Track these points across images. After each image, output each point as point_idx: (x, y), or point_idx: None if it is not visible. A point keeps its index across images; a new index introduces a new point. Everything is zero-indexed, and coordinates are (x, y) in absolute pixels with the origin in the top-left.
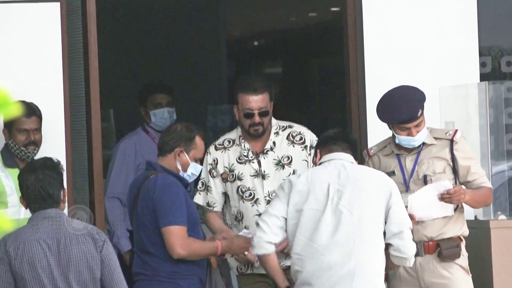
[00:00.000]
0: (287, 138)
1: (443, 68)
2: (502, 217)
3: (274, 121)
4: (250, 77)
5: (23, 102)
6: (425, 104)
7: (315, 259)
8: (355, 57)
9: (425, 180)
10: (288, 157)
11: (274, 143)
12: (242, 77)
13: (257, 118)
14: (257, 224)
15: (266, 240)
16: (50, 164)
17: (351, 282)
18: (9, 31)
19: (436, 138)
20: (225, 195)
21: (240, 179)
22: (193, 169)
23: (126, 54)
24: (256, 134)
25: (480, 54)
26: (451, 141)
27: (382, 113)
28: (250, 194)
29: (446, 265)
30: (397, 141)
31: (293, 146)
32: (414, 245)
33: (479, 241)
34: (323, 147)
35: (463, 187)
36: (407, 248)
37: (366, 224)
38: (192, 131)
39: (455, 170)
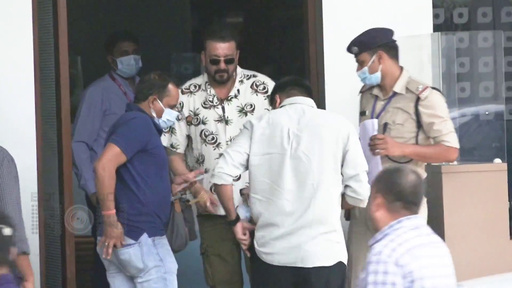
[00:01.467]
0: (251, 86)
1: (398, 20)
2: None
3: (239, 69)
4: (218, 25)
5: None
6: (376, 49)
7: (280, 202)
8: (313, 9)
9: (384, 128)
10: (251, 105)
11: (238, 90)
12: (210, 24)
13: (222, 65)
14: (221, 155)
15: (226, 172)
16: None
17: (309, 233)
18: None
19: (407, 90)
20: (189, 137)
21: (204, 123)
22: (168, 115)
23: (94, 4)
24: (221, 81)
25: (434, 6)
26: (418, 97)
27: None
28: (213, 138)
29: None
30: None
31: (256, 94)
32: (369, 187)
33: (431, 185)
34: (282, 92)
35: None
36: (363, 189)
37: (325, 171)
38: (165, 79)
39: (419, 125)
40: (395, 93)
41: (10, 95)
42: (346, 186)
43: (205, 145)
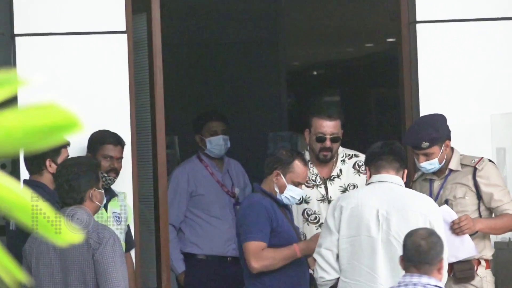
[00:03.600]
0: (353, 167)
1: (495, 96)
2: None
3: (340, 148)
4: (326, 103)
5: (113, 132)
6: (445, 140)
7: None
8: (410, 87)
9: (446, 203)
10: (354, 186)
11: (340, 170)
12: (317, 101)
13: (328, 143)
14: (315, 260)
15: (329, 279)
16: (82, 161)
17: None
18: (77, 62)
19: (463, 165)
20: None
21: (307, 202)
22: (291, 192)
23: (191, 85)
24: (324, 159)
25: None
26: (474, 168)
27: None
28: (315, 218)
29: (462, 286)
30: None
31: (359, 175)
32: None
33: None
34: (371, 164)
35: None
36: (444, 278)
37: None
38: (291, 155)
39: (479, 196)
40: (450, 171)
41: None
42: None
43: (307, 224)
